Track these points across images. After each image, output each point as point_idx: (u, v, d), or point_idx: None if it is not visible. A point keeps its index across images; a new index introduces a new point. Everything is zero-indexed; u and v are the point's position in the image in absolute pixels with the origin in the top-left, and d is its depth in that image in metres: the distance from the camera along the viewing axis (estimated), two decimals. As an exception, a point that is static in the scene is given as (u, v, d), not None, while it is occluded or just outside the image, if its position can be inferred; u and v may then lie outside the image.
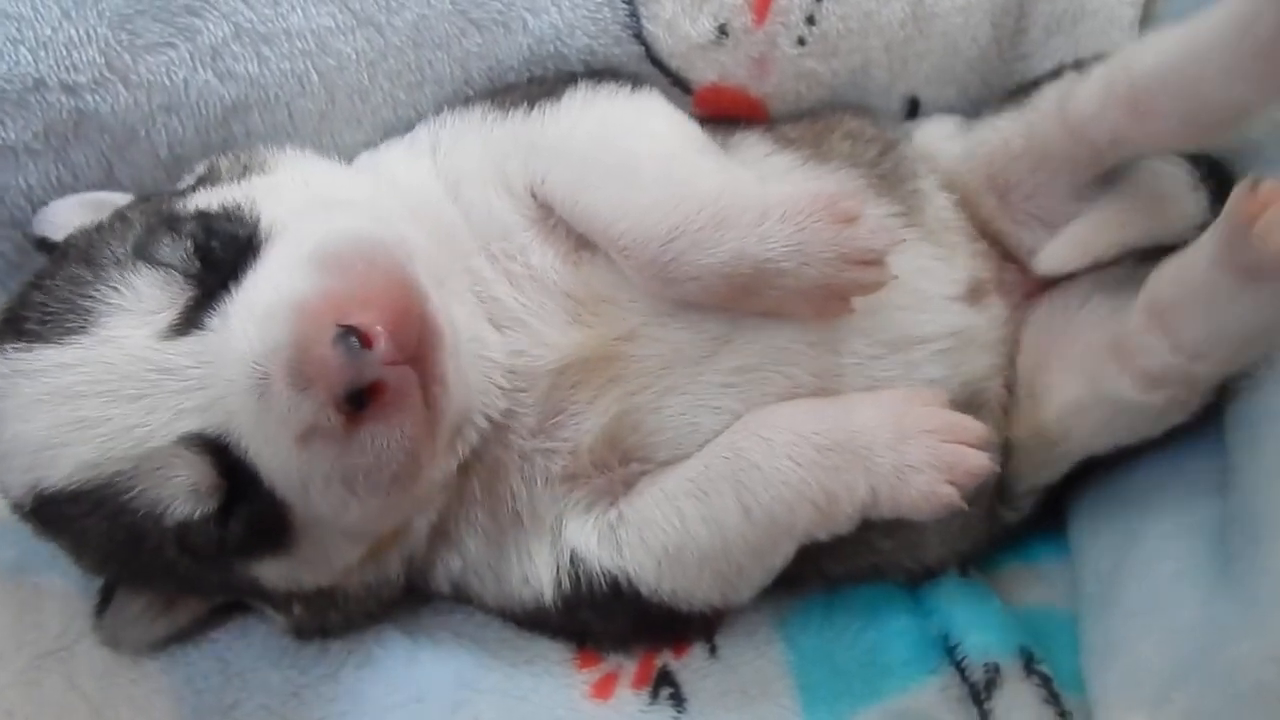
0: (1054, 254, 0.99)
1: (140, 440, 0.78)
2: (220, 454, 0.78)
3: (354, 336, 0.72)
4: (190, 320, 0.79)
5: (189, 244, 0.83)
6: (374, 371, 0.73)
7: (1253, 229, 0.79)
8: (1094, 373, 0.93)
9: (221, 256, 0.82)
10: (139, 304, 0.80)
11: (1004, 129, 1.01)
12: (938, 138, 1.06)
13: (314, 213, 0.86)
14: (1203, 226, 0.94)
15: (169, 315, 0.80)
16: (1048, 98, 0.98)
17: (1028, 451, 1.00)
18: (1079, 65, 0.99)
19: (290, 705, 0.91)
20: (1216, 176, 0.97)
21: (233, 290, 0.79)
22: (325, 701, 0.90)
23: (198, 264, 0.82)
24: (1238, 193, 0.81)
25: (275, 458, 0.77)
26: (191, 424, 0.78)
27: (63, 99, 0.97)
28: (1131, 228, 0.97)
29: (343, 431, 0.74)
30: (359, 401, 0.74)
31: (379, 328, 0.73)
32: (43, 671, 0.91)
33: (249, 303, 0.78)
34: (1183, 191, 0.96)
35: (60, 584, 0.95)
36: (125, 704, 0.91)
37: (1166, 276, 0.89)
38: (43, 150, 0.98)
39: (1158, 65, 0.87)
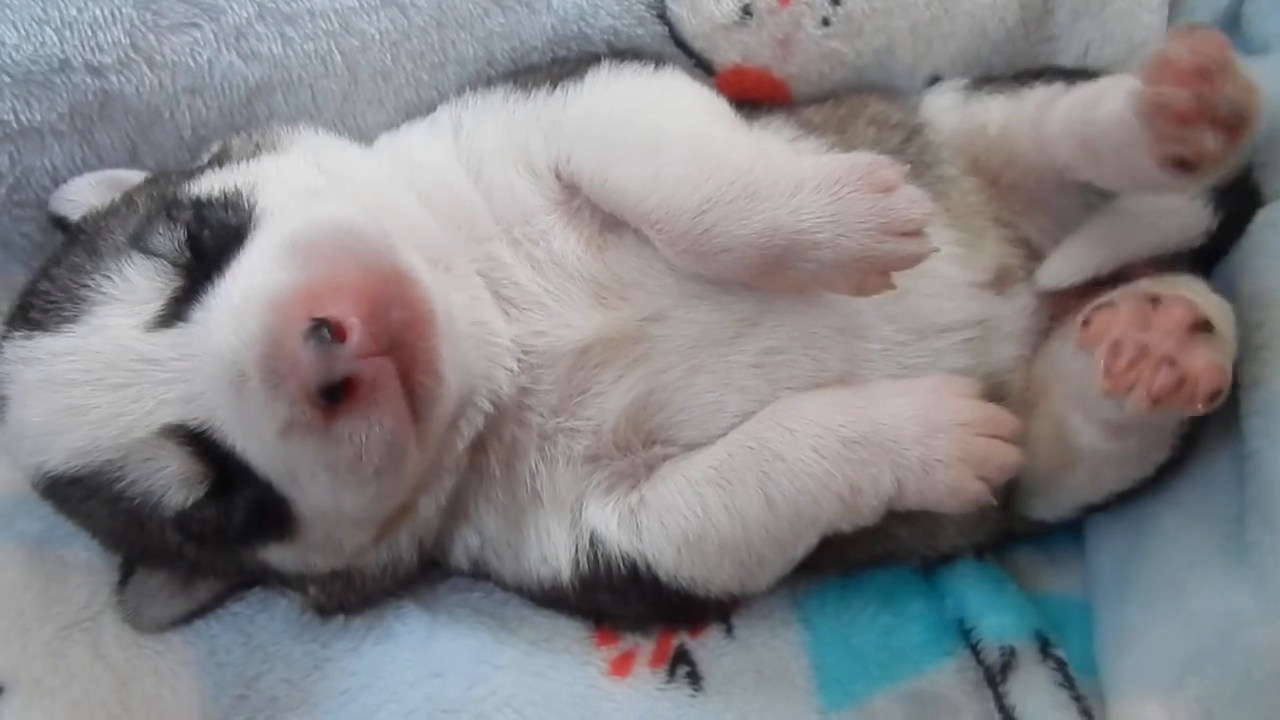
0: (1051, 270, 0.98)
1: (124, 429, 0.79)
2: (206, 445, 0.79)
3: (326, 329, 0.71)
4: (176, 312, 0.80)
5: (182, 233, 0.83)
6: (346, 366, 0.72)
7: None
8: (1065, 427, 0.93)
9: (211, 246, 0.82)
10: (131, 294, 0.81)
11: (990, 110, 1.01)
12: (940, 109, 1.05)
13: (305, 199, 0.85)
14: (1206, 234, 0.96)
15: (157, 306, 0.81)
16: (1033, 99, 0.97)
17: (1027, 486, 1.00)
18: (1071, 77, 0.98)
19: (312, 678, 0.92)
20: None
21: (217, 281, 0.79)
22: (346, 675, 0.91)
23: (188, 254, 0.82)
24: (1077, 323, 0.88)
25: (260, 451, 0.77)
26: (172, 415, 0.78)
27: (88, 80, 0.97)
28: (1127, 242, 0.96)
29: (321, 425, 0.74)
30: (334, 395, 0.73)
31: (353, 319, 0.72)
32: (68, 642, 0.93)
33: (228, 296, 0.78)
34: (1181, 201, 0.95)
35: (84, 557, 0.97)
36: (150, 674, 0.92)
37: None
38: (68, 131, 0.99)
39: (1105, 115, 0.87)
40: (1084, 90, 0.92)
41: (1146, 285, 0.89)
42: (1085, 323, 0.87)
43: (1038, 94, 0.98)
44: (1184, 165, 0.79)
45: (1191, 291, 0.88)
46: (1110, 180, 0.91)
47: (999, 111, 1.00)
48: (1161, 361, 0.81)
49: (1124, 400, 0.82)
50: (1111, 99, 0.86)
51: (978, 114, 1.02)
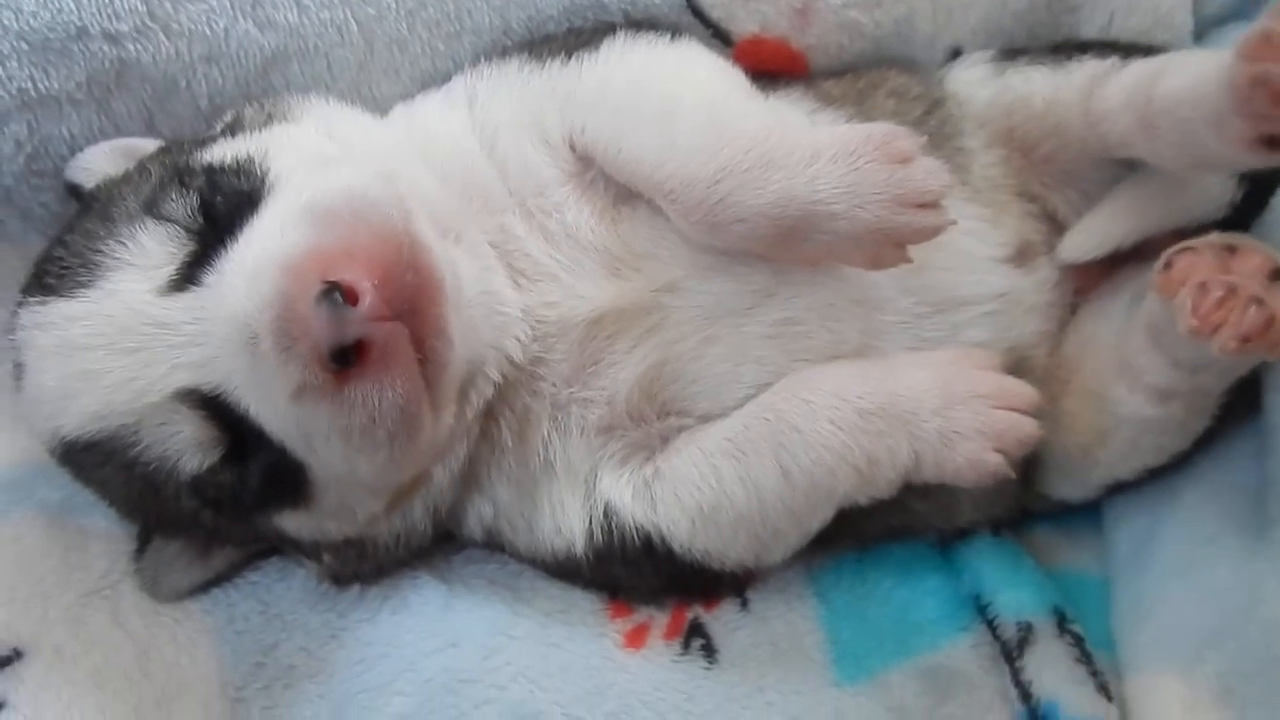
0: (1072, 243, 0.98)
1: (138, 393, 0.79)
2: (221, 409, 0.79)
3: (338, 293, 0.71)
4: (189, 276, 0.80)
5: (194, 199, 0.83)
6: (358, 329, 0.72)
7: (1173, 304, 0.83)
8: (1107, 396, 0.93)
9: (224, 211, 0.82)
10: (144, 259, 0.81)
11: (1033, 82, 0.99)
12: (969, 82, 1.04)
13: (318, 166, 0.85)
14: (1229, 206, 0.95)
15: (170, 270, 0.81)
16: (1083, 73, 0.96)
17: (1055, 464, 0.99)
18: (1127, 51, 0.97)
19: (329, 647, 0.92)
20: None
21: (229, 246, 0.79)
22: (362, 645, 0.92)
23: (200, 220, 0.82)
24: (1157, 268, 0.85)
25: (274, 415, 0.78)
26: (186, 379, 0.79)
27: (105, 48, 0.97)
28: (1150, 214, 0.96)
29: (333, 389, 0.74)
30: (346, 359, 0.73)
31: (366, 283, 0.72)
32: (89, 610, 0.93)
33: (241, 259, 0.78)
34: (1204, 175, 0.94)
35: (104, 526, 0.97)
36: (169, 642, 0.93)
37: (1155, 299, 0.89)
38: (85, 100, 0.98)
39: (1172, 91, 0.86)
40: (1144, 65, 0.91)
41: (1216, 237, 0.87)
42: (1166, 265, 0.86)
43: (1088, 67, 0.96)
44: (1273, 143, 0.79)
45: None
46: (1164, 157, 0.90)
47: (1044, 83, 0.98)
48: (1250, 301, 0.81)
49: (1210, 341, 0.81)
50: (1176, 75, 0.86)
51: (1017, 85, 1.00)
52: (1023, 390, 0.89)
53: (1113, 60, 0.95)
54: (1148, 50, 1.00)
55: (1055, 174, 1.00)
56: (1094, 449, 0.96)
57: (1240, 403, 0.95)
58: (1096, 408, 0.94)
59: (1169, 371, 0.89)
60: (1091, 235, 0.97)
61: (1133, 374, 0.91)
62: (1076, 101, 0.95)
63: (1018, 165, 1.00)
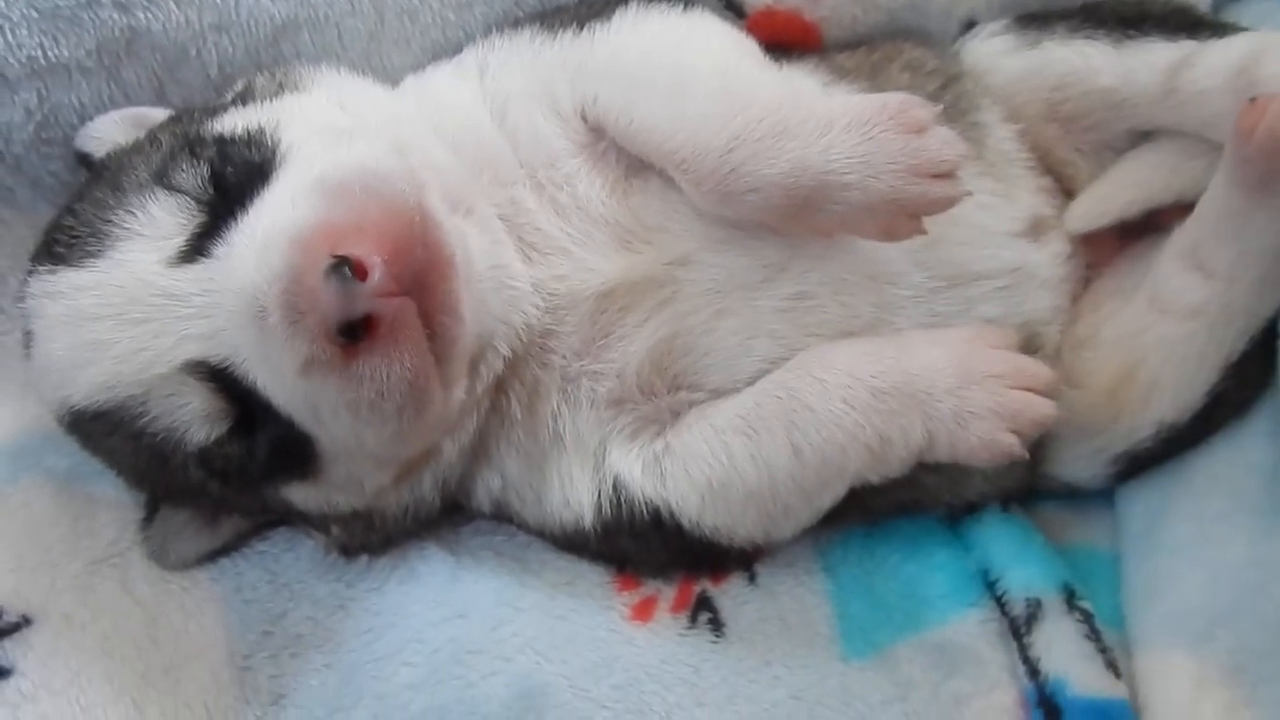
0: (1078, 212, 0.98)
1: (146, 364, 0.79)
2: (229, 382, 0.79)
3: (347, 267, 0.71)
4: (198, 247, 0.80)
5: (205, 170, 0.83)
6: (366, 303, 0.71)
7: (1253, 138, 0.83)
8: (1134, 328, 0.93)
9: (234, 183, 0.82)
10: (154, 229, 0.81)
11: (1092, 58, 0.98)
12: (992, 54, 1.03)
13: (331, 138, 0.85)
14: None
15: (180, 241, 0.80)
16: (1163, 55, 0.95)
17: (1070, 436, 0.99)
18: (1193, 28, 0.97)
19: (336, 617, 0.92)
20: None
21: (240, 218, 0.79)
22: (370, 615, 0.92)
23: (211, 191, 0.82)
24: (1241, 110, 0.85)
25: (282, 388, 0.77)
26: (195, 351, 0.78)
27: (115, 16, 0.97)
28: (1154, 185, 0.96)
29: (341, 363, 0.74)
30: (354, 333, 0.72)
31: (375, 258, 0.71)
32: (97, 577, 0.93)
33: (251, 231, 0.77)
34: (1211, 149, 0.93)
35: (112, 494, 0.97)
36: (177, 610, 0.93)
37: (1191, 219, 0.90)
38: (95, 68, 0.98)
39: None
40: (1236, 47, 0.93)
41: None
42: (1250, 100, 0.86)
43: (1167, 51, 0.96)
44: None
45: None
46: None
47: (1108, 62, 0.98)
48: None
49: None
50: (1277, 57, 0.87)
51: (1070, 58, 0.99)
52: (1038, 370, 0.88)
53: (1185, 43, 0.95)
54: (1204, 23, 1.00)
55: (1093, 142, 1.00)
56: (1119, 392, 0.96)
57: (1255, 383, 0.95)
58: (1124, 345, 0.95)
59: (1203, 285, 0.90)
60: (1096, 203, 0.97)
61: (1164, 303, 0.92)
62: (1156, 83, 0.95)
63: (1052, 134, 1.00)
